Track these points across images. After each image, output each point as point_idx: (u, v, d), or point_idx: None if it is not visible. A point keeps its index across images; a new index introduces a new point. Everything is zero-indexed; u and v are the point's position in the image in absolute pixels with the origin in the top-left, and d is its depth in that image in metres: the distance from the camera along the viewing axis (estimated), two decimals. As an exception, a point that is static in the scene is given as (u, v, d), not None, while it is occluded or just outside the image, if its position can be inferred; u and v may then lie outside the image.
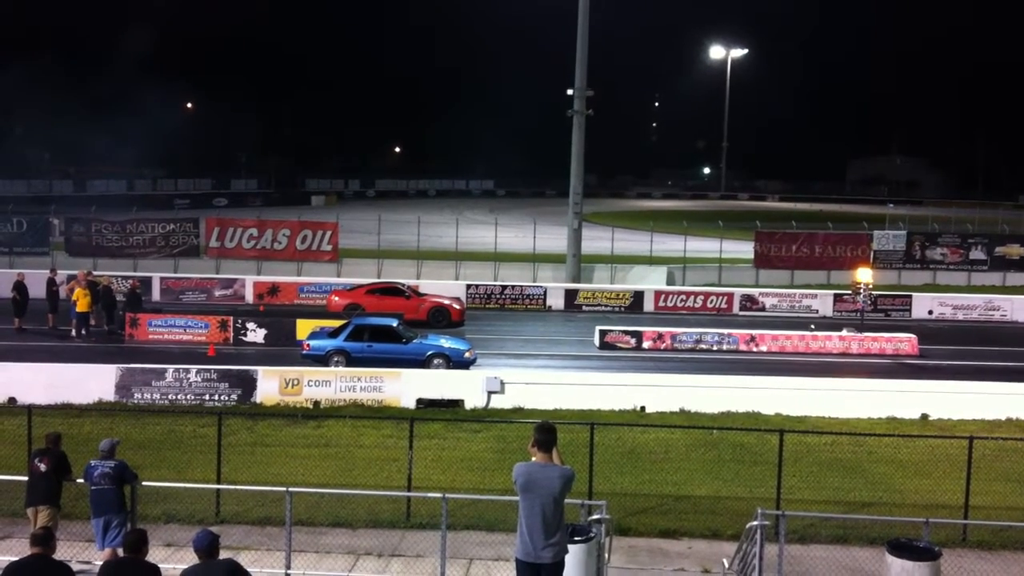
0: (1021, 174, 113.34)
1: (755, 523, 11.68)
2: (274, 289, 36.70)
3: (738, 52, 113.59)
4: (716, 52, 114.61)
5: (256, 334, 28.74)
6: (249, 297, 36.71)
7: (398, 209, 70.35)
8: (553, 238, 45.19)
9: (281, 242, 42.28)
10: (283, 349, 27.51)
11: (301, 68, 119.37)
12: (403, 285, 33.78)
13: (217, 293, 36.85)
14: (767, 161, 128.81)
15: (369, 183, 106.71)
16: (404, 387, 21.68)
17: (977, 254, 46.09)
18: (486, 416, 20.83)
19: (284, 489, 12.48)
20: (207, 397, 21.61)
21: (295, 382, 21.69)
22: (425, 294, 33.69)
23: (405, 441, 15.11)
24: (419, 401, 21.46)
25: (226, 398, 21.61)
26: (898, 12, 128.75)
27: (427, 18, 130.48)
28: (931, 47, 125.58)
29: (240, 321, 29.02)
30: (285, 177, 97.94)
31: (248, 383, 21.73)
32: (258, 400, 21.58)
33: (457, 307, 32.83)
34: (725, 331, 30.32)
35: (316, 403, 21.45)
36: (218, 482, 14.64)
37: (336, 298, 32.98)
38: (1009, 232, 49.35)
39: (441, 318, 31.86)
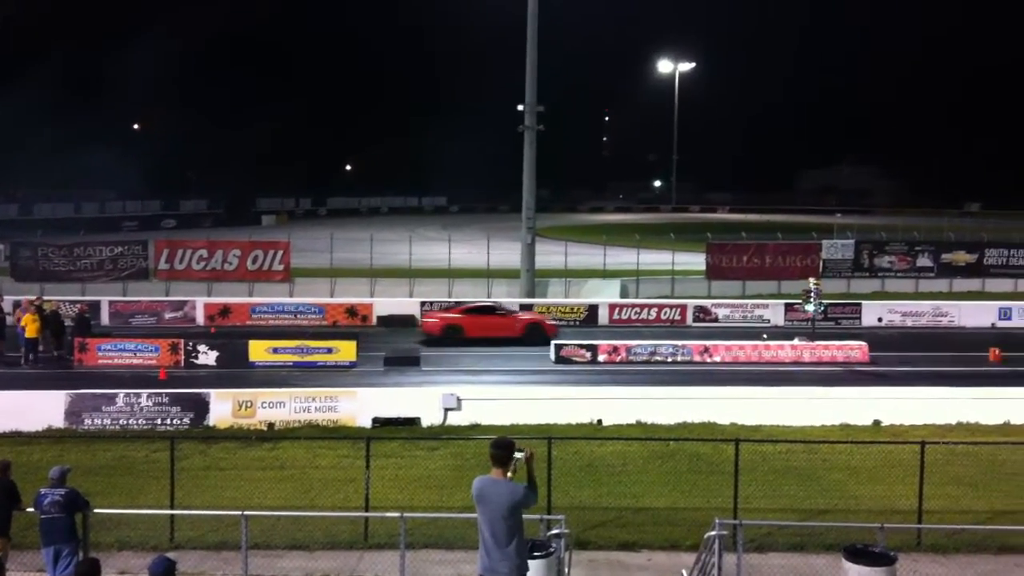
0: (965, 182, 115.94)
1: (713, 533, 11.75)
2: (225, 310, 36.31)
3: (687, 66, 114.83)
4: (665, 66, 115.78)
5: (208, 356, 28.36)
6: (200, 319, 36.27)
7: (350, 227, 70.14)
8: (507, 253, 45.19)
9: (232, 263, 41.89)
10: (236, 371, 27.23)
11: (250, 87, 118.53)
12: (497, 304, 34.81)
13: (167, 316, 36.35)
14: (718, 173, 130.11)
15: (321, 201, 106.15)
16: (359, 406, 21.54)
17: (924, 261, 46.96)
18: (443, 433, 20.75)
19: (239, 513, 12.32)
20: (159, 421, 21.29)
21: (248, 404, 21.45)
22: (515, 311, 34.49)
23: (362, 461, 14.98)
24: (375, 420, 21.30)
25: (178, 422, 21.31)
26: (845, 23, 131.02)
27: (377, 35, 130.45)
28: (878, 57, 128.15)
29: (191, 344, 28.64)
30: (235, 197, 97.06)
31: (200, 406, 21.45)
32: (211, 423, 21.32)
33: (550, 322, 33.79)
34: (679, 342, 30.52)
35: (270, 425, 21.24)
36: (172, 507, 14.42)
37: (434, 320, 33.17)
38: (955, 239, 50.29)
39: (537, 333, 32.18)
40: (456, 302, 35.73)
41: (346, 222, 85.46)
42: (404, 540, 11.99)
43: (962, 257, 47.45)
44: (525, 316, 34.01)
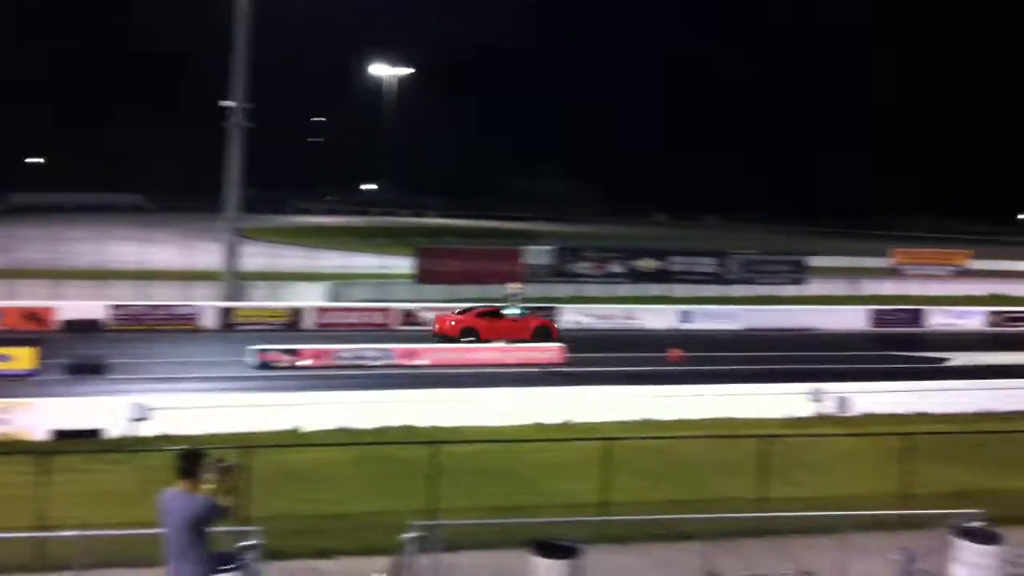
0: (654, 193, 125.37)
1: (408, 535, 11.81)
2: None
3: (402, 71, 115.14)
4: (380, 70, 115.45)
5: None
6: None
7: (35, 225, 65.00)
8: (209, 254, 43.39)
9: None
10: None
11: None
12: (502, 307, 36.20)
13: None
14: (429, 178, 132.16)
15: (1, 197, 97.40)
16: (36, 417, 19.91)
17: (617, 267, 49.84)
18: (130, 445, 19.54)
19: None
20: None
21: (-96, 419, 19.26)
22: (526, 315, 35.80)
23: (38, 477, 13.83)
24: (54, 432, 19.74)
25: None
26: (555, 33, 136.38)
27: (76, 24, 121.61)
28: (576, 65, 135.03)
29: None
30: None
31: None
32: None
33: (556, 326, 36.03)
34: (385, 346, 30.66)
35: (-70, 441, 19.16)
36: None
37: (452, 323, 34.05)
38: (644, 247, 53.84)
39: (544, 335, 34.42)
40: (469, 307, 36.40)
41: (29, 219, 78.96)
42: (81, 560, 11.20)
43: (650, 264, 50.83)
44: (534, 320, 35.57)
